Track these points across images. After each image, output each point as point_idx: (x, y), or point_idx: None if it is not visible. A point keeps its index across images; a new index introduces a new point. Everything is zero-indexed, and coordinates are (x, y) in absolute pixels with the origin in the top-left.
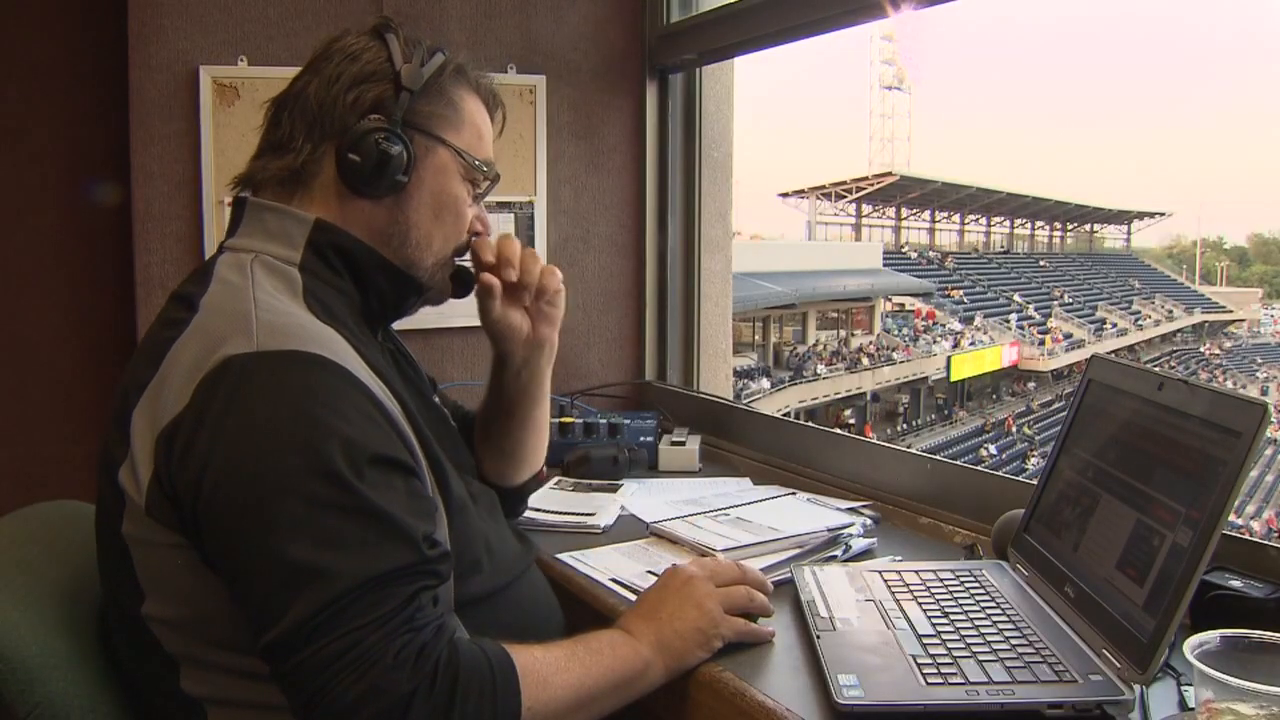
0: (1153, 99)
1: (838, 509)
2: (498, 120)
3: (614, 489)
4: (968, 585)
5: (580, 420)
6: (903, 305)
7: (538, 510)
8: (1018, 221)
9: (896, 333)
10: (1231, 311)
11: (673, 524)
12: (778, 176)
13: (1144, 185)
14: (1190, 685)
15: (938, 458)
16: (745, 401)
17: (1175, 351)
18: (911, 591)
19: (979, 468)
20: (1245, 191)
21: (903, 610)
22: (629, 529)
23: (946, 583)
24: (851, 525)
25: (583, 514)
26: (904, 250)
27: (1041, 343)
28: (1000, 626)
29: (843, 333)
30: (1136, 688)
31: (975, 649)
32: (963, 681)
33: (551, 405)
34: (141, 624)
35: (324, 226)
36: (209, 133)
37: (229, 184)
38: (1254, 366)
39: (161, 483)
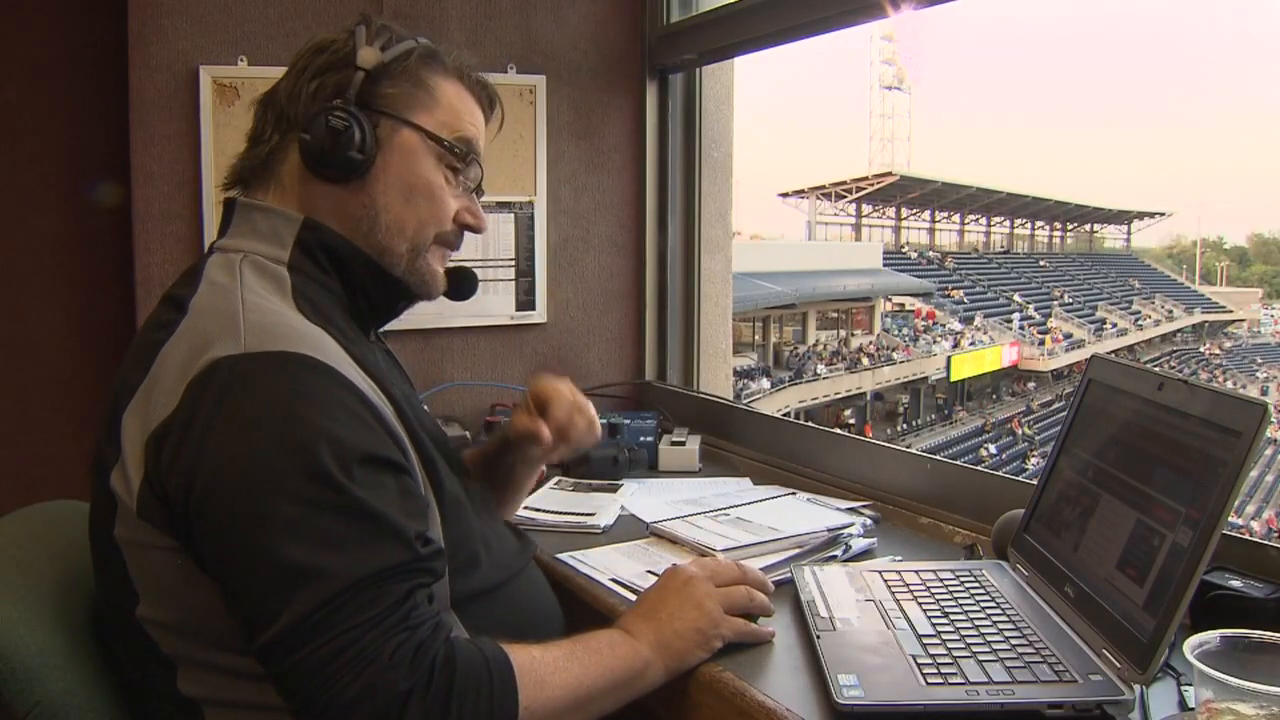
0: (1153, 99)
1: (838, 509)
2: (496, 114)
3: (614, 489)
4: (968, 585)
5: None
6: (903, 305)
7: (537, 510)
8: (1018, 221)
9: (896, 333)
10: (1231, 311)
11: (673, 524)
12: (778, 176)
13: (1144, 185)
14: (1190, 685)
15: (938, 458)
16: (745, 401)
17: (1175, 351)
18: (911, 591)
19: (979, 468)
20: (1245, 191)
21: (903, 610)
22: (629, 529)
23: (946, 583)
24: (851, 525)
25: (583, 514)
26: (904, 250)
27: (1041, 343)
28: (1000, 626)
29: (843, 333)
30: (1136, 688)
31: (975, 649)
32: (963, 681)
33: None
34: (137, 626)
35: (312, 225)
36: (209, 133)
37: (218, 184)
38: (1254, 366)
39: (152, 485)
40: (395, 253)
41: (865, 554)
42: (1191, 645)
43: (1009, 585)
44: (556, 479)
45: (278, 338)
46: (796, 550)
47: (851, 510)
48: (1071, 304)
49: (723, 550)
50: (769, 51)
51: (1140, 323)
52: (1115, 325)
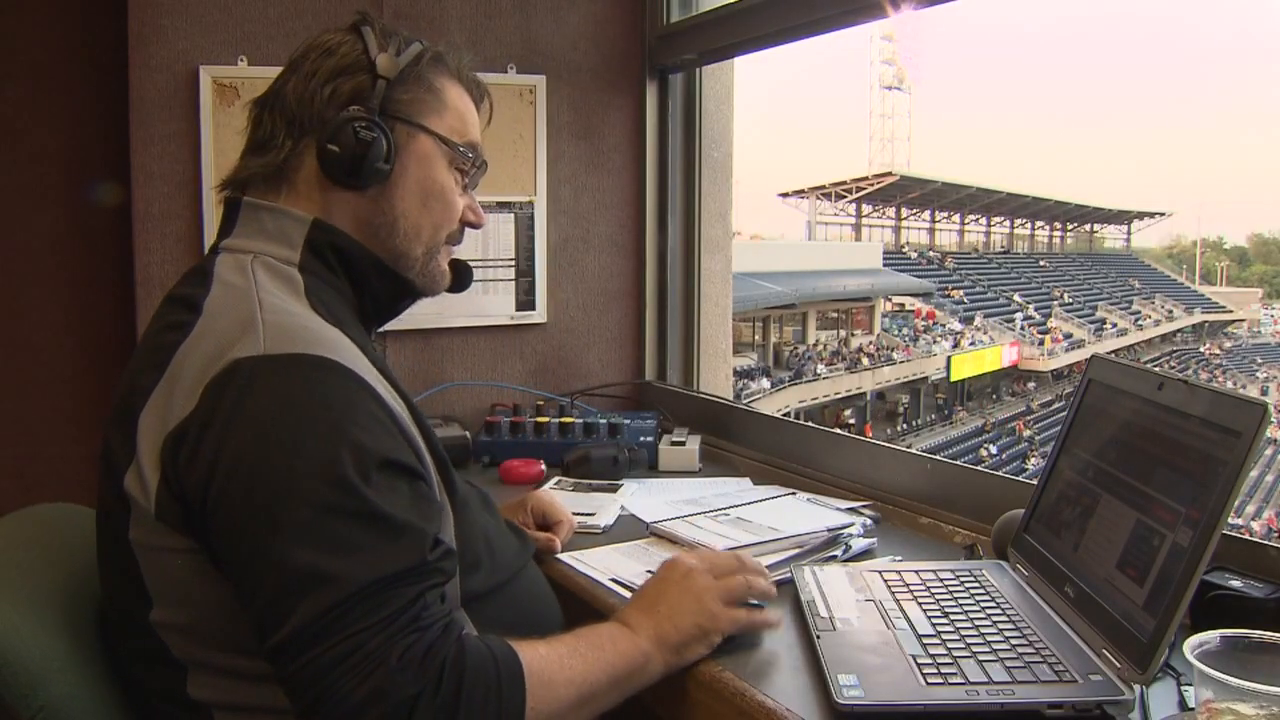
0: (1153, 99)
1: (838, 509)
2: (484, 109)
3: (614, 489)
4: (968, 585)
5: (580, 420)
6: (903, 305)
7: None
8: (1018, 221)
9: (896, 333)
10: (1231, 311)
11: (673, 524)
12: (778, 176)
13: (1144, 185)
14: (1190, 685)
15: (938, 458)
16: (745, 401)
17: (1175, 351)
18: (911, 591)
19: (979, 468)
20: (1245, 191)
21: (903, 610)
22: (629, 529)
23: (946, 583)
24: (851, 525)
25: (583, 514)
26: (904, 250)
27: (1041, 343)
28: (1000, 626)
29: (843, 333)
30: (1136, 688)
31: (975, 649)
32: (963, 681)
33: (552, 405)
34: (148, 630)
35: (322, 226)
36: (209, 133)
37: (215, 186)
38: (1254, 366)
39: (170, 486)
40: (411, 256)
41: (865, 554)
42: (1191, 645)
43: (1009, 585)
44: (556, 479)
45: (297, 339)
46: (796, 550)
47: (851, 510)
48: (1071, 304)
49: (723, 550)
50: (769, 51)
51: (1140, 323)
52: (1115, 325)
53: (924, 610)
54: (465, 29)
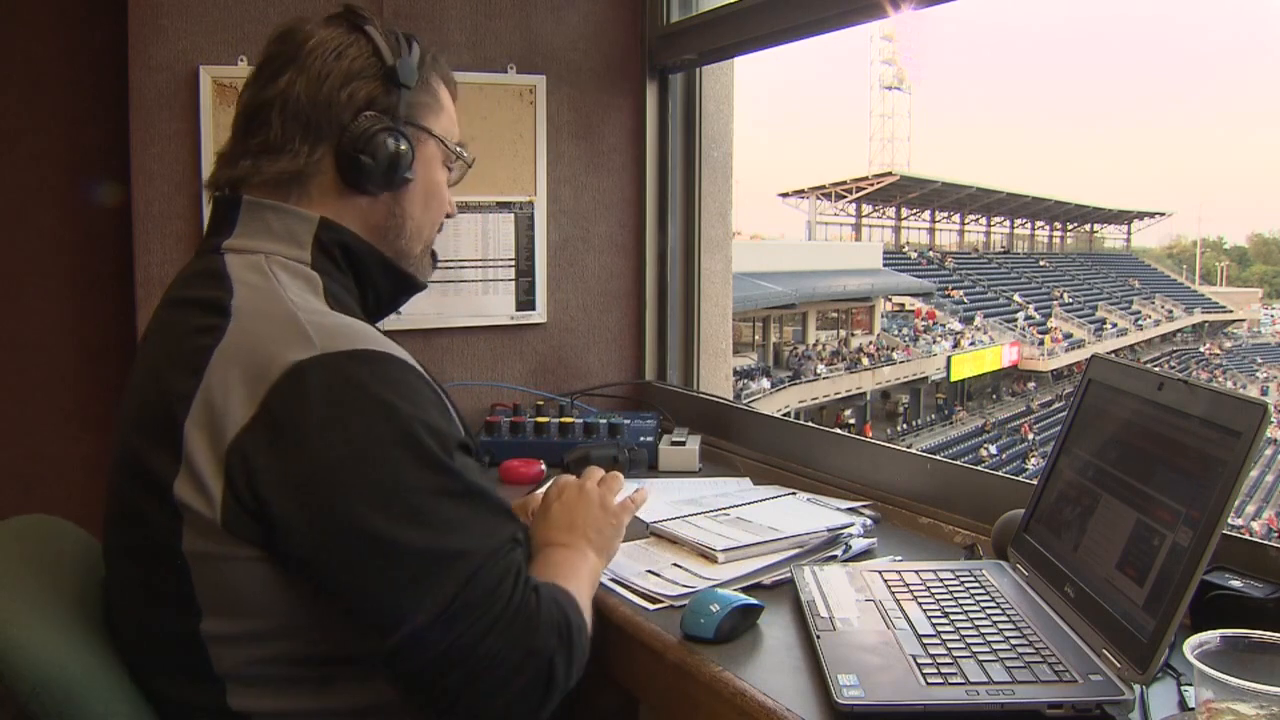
0: (1153, 99)
1: (838, 509)
2: (458, 102)
3: None
4: (968, 585)
5: (580, 420)
6: (903, 305)
7: None
8: (1018, 221)
9: (896, 333)
10: (1231, 311)
11: (673, 524)
12: (778, 176)
13: (1144, 185)
14: (1190, 685)
15: (938, 458)
16: (745, 401)
17: (1175, 351)
18: (911, 591)
19: (979, 468)
20: (1245, 191)
21: (903, 610)
22: (629, 529)
23: (946, 583)
24: (851, 525)
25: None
26: (904, 250)
27: (1041, 343)
28: (1000, 626)
29: (843, 333)
30: (1136, 688)
31: (975, 649)
32: (963, 681)
33: (552, 405)
34: (190, 642)
35: (329, 225)
36: (209, 133)
37: (209, 183)
38: (1254, 366)
39: (239, 496)
40: (412, 254)
41: (865, 554)
42: (1191, 645)
43: (1009, 585)
44: (556, 479)
45: (345, 337)
46: (796, 550)
47: (851, 510)
48: (1071, 304)
49: (723, 550)
50: (769, 51)
51: (1140, 323)
52: (1115, 325)
53: (924, 610)
54: (465, 29)
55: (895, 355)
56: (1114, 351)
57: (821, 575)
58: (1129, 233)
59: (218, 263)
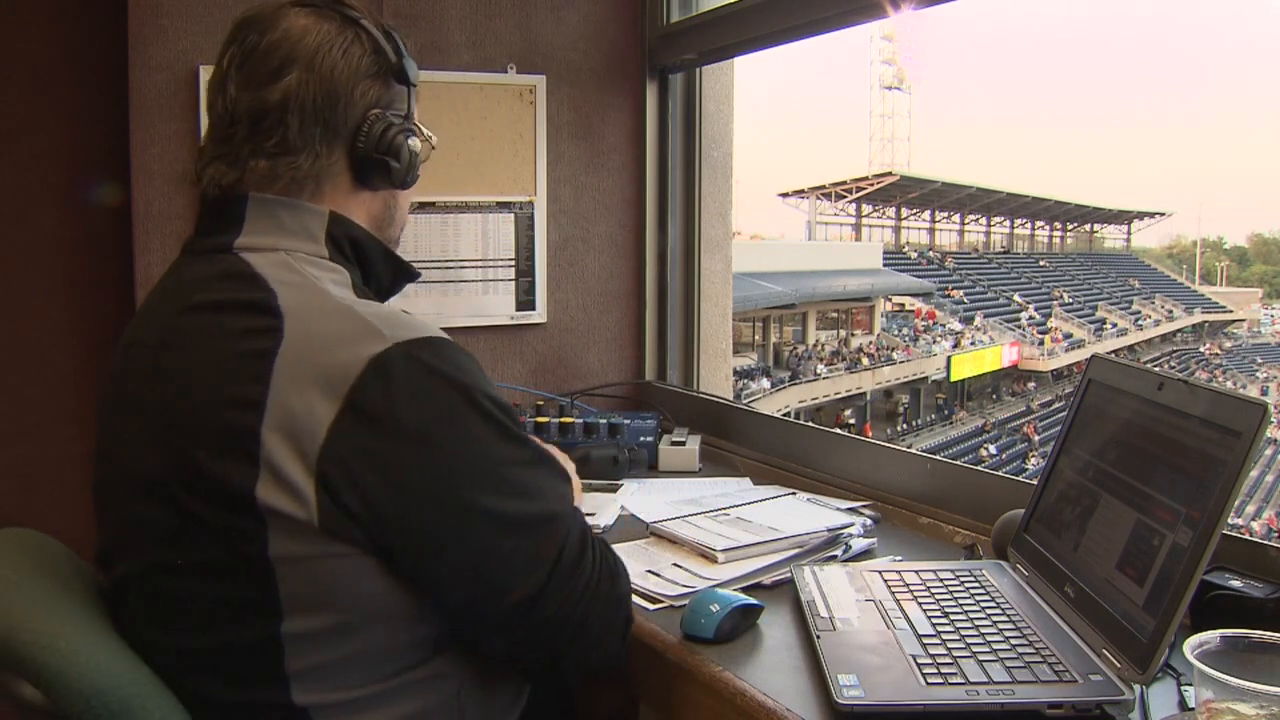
0: (1153, 99)
1: (838, 509)
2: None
3: (614, 489)
4: (968, 585)
5: (580, 420)
6: (903, 305)
7: None
8: (1018, 221)
9: (896, 333)
10: (1231, 311)
11: (673, 524)
12: (778, 176)
13: (1144, 185)
14: (1190, 685)
15: (938, 458)
16: (745, 401)
17: (1175, 351)
18: (911, 591)
19: (979, 468)
20: (1245, 191)
21: (903, 610)
22: (629, 529)
23: (946, 583)
24: (851, 525)
25: (583, 514)
26: (904, 250)
27: (1041, 343)
28: (1000, 626)
29: (843, 333)
30: (1136, 688)
31: (975, 649)
32: (963, 681)
33: (552, 405)
34: (269, 644)
35: (338, 219)
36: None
37: (208, 184)
38: (1254, 366)
39: (336, 496)
40: (395, 242)
41: (865, 554)
42: (1191, 645)
43: (1009, 585)
44: None
45: (406, 326)
46: (796, 550)
47: (851, 510)
48: (1071, 304)
49: (722, 550)
50: (769, 51)
51: (1140, 323)
52: (1115, 325)
53: (924, 610)
54: (465, 29)
55: (895, 355)
56: (1114, 351)
57: (821, 575)
58: (1129, 233)
59: (240, 262)
